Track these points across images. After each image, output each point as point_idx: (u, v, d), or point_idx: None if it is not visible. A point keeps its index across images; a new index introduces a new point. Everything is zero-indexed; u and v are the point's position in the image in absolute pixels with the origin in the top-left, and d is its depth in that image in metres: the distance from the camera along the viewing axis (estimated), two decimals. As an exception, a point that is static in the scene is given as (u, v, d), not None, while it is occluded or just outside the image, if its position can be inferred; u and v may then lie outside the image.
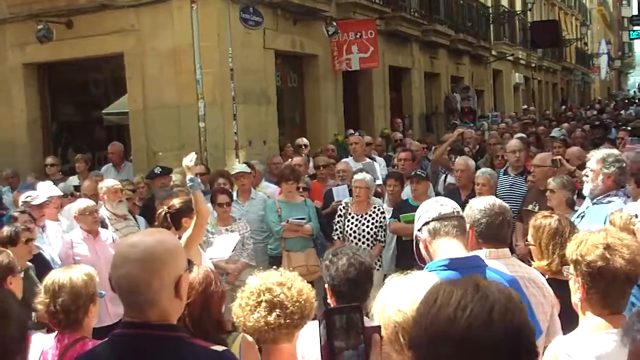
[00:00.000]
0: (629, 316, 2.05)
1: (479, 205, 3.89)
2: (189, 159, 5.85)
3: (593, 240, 2.93)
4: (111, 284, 2.56)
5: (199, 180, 6.03)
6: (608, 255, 2.84)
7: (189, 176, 5.78)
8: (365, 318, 2.23)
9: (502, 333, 1.68)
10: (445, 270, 3.13)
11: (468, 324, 1.68)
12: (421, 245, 3.44)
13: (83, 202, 7.39)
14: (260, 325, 3.02)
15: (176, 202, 6.04)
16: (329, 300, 3.63)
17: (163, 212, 5.94)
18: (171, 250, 2.56)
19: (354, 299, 3.23)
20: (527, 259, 4.58)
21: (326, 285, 3.59)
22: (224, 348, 2.69)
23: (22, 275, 4.77)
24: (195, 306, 3.47)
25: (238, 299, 3.15)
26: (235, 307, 3.15)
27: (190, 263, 2.69)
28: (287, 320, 3.02)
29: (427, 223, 3.40)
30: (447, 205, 3.46)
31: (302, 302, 3.07)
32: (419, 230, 3.46)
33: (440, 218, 3.38)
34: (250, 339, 3.78)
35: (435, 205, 3.46)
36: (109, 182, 8.28)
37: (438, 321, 1.72)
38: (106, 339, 2.64)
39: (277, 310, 3.02)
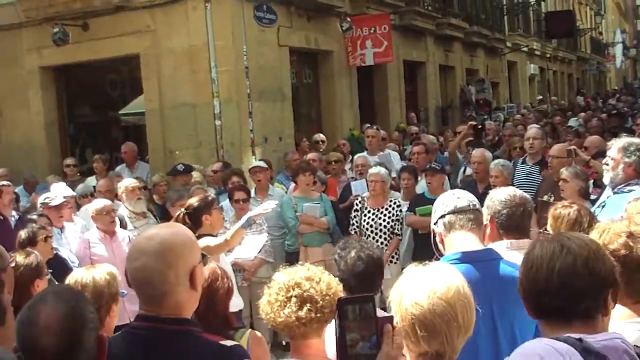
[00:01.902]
0: None
1: (500, 197, 3.87)
2: (266, 207, 5.51)
3: (615, 229, 2.88)
4: (127, 277, 2.58)
5: (252, 222, 5.66)
6: (631, 244, 2.79)
7: (247, 215, 5.45)
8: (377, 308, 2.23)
9: (588, 276, 2.22)
10: (457, 263, 3.11)
11: (559, 276, 2.23)
12: (437, 239, 3.43)
13: (100, 202, 7.37)
14: (292, 320, 2.99)
15: (193, 201, 5.87)
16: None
17: (181, 214, 5.75)
18: (185, 242, 2.61)
19: (363, 293, 3.23)
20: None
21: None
22: (235, 343, 2.69)
23: (48, 277, 4.64)
24: (200, 301, 3.48)
25: (266, 295, 3.12)
26: (264, 303, 3.11)
27: (204, 256, 2.70)
28: (318, 315, 2.99)
29: (442, 216, 3.39)
30: (464, 198, 3.43)
31: (332, 295, 3.04)
32: (435, 223, 3.44)
33: (455, 211, 3.36)
34: (259, 334, 3.76)
35: (451, 199, 3.44)
36: (126, 181, 8.36)
37: (538, 280, 2.28)
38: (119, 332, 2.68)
39: (308, 304, 2.99)
